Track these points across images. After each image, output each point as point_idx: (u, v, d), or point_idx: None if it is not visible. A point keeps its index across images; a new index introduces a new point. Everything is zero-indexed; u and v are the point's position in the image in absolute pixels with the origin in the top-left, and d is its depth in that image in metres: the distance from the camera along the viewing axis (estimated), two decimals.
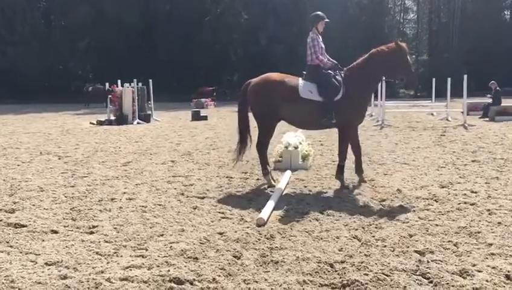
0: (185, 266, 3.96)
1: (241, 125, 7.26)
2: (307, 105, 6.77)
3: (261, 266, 4.03)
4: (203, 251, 4.33)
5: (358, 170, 7.24)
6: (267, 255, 4.23)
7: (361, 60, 6.96)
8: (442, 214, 5.43)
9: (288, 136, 8.82)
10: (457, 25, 47.49)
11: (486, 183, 7.00)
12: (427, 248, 4.34)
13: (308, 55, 7.05)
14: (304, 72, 7.10)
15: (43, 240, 4.69)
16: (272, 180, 7.16)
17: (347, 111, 6.76)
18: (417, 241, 4.55)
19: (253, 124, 7.27)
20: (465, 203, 5.88)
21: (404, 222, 5.15)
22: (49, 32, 43.98)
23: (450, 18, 48.83)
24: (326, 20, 7.14)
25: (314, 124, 7.12)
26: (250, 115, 7.22)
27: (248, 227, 5.08)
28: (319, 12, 7.22)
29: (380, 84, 15.55)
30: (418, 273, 3.81)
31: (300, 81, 6.96)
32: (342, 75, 6.89)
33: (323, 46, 7.09)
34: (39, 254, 4.29)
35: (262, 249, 4.40)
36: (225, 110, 27.09)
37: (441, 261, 4.03)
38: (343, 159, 7.04)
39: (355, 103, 6.81)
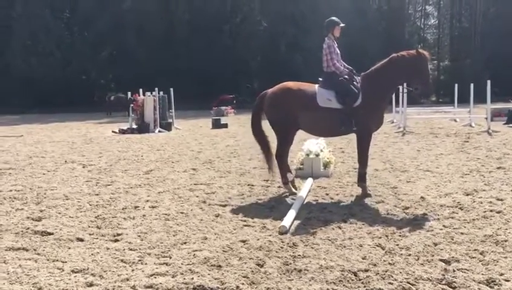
0: (209, 274, 3.98)
1: (258, 137, 7.24)
2: (325, 113, 6.71)
3: (284, 274, 4.02)
4: (226, 259, 4.35)
5: (360, 181, 6.99)
6: (290, 264, 4.23)
7: (380, 64, 6.84)
8: (468, 222, 5.35)
9: (310, 144, 8.81)
10: (479, 29, 46.82)
11: None
12: (453, 257, 4.28)
13: (324, 61, 6.97)
14: (320, 79, 7.03)
15: (69, 248, 4.78)
16: (293, 188, 7.14)
17: (366, 117, 6.66)
18: (442, 249, 4.49)
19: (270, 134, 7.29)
20: (491, 211, 5.77)
21: (428, 230, 5.09)
22: (72, 43, 44.84)
23: (472, 23, 48.19)
24: (342, 25, 7.05)
25: (333, 132, 7.06)
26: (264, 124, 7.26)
27: (270, 235, 5.09)
28: (334, 18, 7.13)
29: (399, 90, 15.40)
30: (443, 282, 3.76)
31: (317, 89, 6.88)
32: (359, 80, 6.81)
33: (338, 52, 7.01)
34: (66, 262, 4.38)
35: (285, 257, 4.40)
36: (245, 118, 27.16)
37: (467, 270, 3.97)
38: (364, 166, 6.92)
39: (373, 108, 6.71)
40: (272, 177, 7.35)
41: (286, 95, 6.92)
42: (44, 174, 9.31)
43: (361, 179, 6.91)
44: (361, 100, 6.67)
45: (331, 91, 6.76)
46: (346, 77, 6.82)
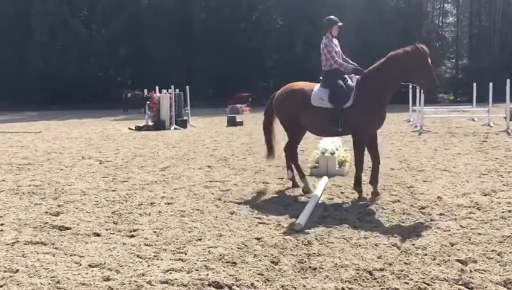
0: (224, 271, 4.00)
1: (266, 133, 7.66)
2: (318, 113, 6.72)
3: (299, 272, 4.03)
4: (241, 256, 4.37)
5: (373, 180, 6.77)
6: (305, 262, 4.22)
7: (378, 63, 6.63)
8: (485, 223, 5.28)
9: (325, 142, 8.78)
10: (499, 28, 46.05)
11: None
12: (470, 257, 4.23)
13: (323, 60, 6.88)
14: (321, 78, 6.99)
15: (87, 243, 4.84)
16: (293, 182, 7.42)
17: (358, 118, 6.48)
18: (459, 250, 4.44)
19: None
20: (509, 211, 5.69)
21: (445, 230, 5.04)
22: (90, 41, 45.27)
23: (491, 21, 47.37)
24: (340, 24, 6.95)
25: (327, 132, 7.07)
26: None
27: (285, 233, 5.09)
28: (332, 17, 7.03)
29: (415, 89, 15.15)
30: (460, 283, 3.72)
31: (315, 88, 6.88)
32: (357, 80, 6.65)
33: (338, 50, 6.91)
34: (83, 256, 4.44)
35: (300, 255, 4.40)
36: (260, 116, 27.14)
37: (485, 271, 3.93)
38: (360, 169, 6.73)
39: (368, 109, 6.49)
40: (269, 159, 7.82)
41: (288, 95, 7.09)
42: (62, 169, 9.45)
43: (357, 182, 6.73)
44: (353, 101, 6.54)
45: (326, 90, 6.75)
46: (345, 76, 6.74)
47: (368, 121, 6.62)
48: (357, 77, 6.73)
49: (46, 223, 5.51)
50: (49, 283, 3.81)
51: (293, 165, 7.42)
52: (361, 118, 6.53)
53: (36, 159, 10.90)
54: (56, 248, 4.68)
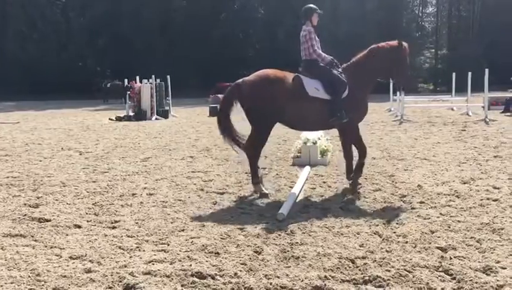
0: (207, 261, 3.99)
1: (226, 129, 6.62)
2: (314, 104, 6.23)
3: (282, 261, 4.04)
4: (224, 246, 4.36)
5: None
6: (288, 251, 4.24)
7: (360, 56, 6.59)
8: (464, 210, 5.37)
9: (307, 132, 8.79)
10: (478, 18, 46.65)
11: (509, 179, 6.89)
12: (450, 245, 4.30)
13: (305, 49, 6.59)
14: (300, 68, 6.66)
15: (67, 235, 4.78)
16: (264, 189, 6.38)
17: (351, 109, 6.35)
18: (439, 237, 4.51)
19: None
20: (487, 199, 5.80)
21: (425, 218, 5.11)
22: (68, 29, 44.47)
23: (471, 11, 47.98)
24: (320, 12, 6.75)
25: (321, 125, 6.75)
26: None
27: (268, 222, 5.09)
28: (311, 5, 6.78)
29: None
30: (440, 269, 3.78)
31: (303, 77, 6.38)
32: (340, 71, 6.50)
33: (318, 39, 6.70)
34: (63, 248, 4.38)
35: (283, 244, 4.41)
36: None
37: (464, 258, 3.99)
38: (351, 159, 6.71)
39: (357, 100, 6.43)
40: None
41: (269, 83, 6.19)
42: (41, 161, 9.29)
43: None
44: (348, 91, 6.38)
45: (317, 80, 6.38)
46: (327, 66, 6.50)
47: (358, 112, 6.55)
48: (339, 68, 6.57)
49: (25, 215, 5.41)
50: (29, 276, 3.75)
51: (249, 166, 6.48)
52: (353, 109, 6.39)
53: (14, 150, 10.70)
54: (36, 240, 4.61)
